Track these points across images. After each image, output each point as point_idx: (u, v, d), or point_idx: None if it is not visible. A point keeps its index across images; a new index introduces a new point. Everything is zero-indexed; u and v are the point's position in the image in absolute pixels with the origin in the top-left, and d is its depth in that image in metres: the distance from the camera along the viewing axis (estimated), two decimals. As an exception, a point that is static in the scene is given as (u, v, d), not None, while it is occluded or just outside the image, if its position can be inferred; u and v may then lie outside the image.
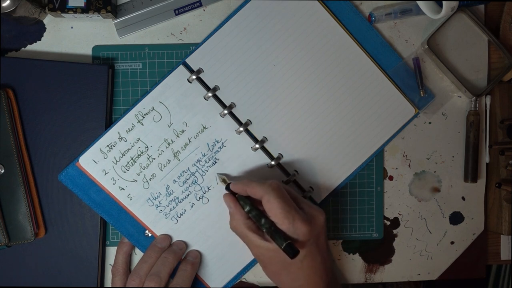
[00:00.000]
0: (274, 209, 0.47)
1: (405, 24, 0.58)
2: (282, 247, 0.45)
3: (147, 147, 0.55)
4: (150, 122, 0.54)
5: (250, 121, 0.56)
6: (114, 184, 0.54)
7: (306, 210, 0.49)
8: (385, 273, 0.60)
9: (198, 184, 0.55)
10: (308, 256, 0.48)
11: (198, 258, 0.55)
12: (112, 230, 0.57)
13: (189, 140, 0.55)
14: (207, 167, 0.55)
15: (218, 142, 0.55)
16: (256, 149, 0.55)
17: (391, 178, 0.59)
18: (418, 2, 0.56)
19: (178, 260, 0.54)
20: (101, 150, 0.54)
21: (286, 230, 0.47)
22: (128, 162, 0.54)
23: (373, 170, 0.58)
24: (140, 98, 0.55)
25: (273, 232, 0.47)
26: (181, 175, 0.55)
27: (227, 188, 0.53)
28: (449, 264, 0.60)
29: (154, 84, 0.55)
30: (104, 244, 0.57)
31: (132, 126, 0.54)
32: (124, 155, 0.54)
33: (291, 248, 0.45)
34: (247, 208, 0.50)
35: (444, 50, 0.58)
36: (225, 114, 0.55)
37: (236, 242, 0.55)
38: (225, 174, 0.55)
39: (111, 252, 0.57)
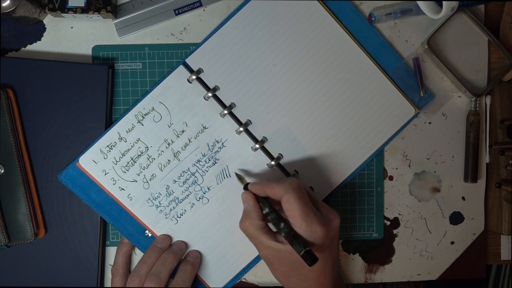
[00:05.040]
0: (293, 210, 0.46)
1: (405, 24, 0.58)
2: (301, 253, 0.45)
3: (147, 147, 0.55)
4: (150, 122, 0.54)
5: (250, 121, 0.56)
6: (114, 184, 0.54)
7: (323, 213, 0.49)
8: (385, 273, 0.60)
9: (198, 184, 0.55)
10: (320, 259, 0.48)
11: (198, 258, 0.55)
12: (112, 230, 0.57)
13: (189, 140, 0.55)
14: (207, 167, 0.55)
15: (218, 142, 0.55)
16: (256, 149, 0.55)
17: (391, 178, 0.59)
18: (418, 2, 0.56)
19: (178, 260, 0.54)
20: (101, 150, 0.54)
21: (303, 232, 0.46)
22: (128, 162, 0.54)
23: (373, 170, 0.58)
24: (140, 98, 0.55)
25: (292, 238, 0.46)
26: (181, 175, 0.55)
27: (245, 187, 0.52)
28: (449, 264, 0.60)
29: (154, 84, 0.55)
30: (104, 244, 0.57)
31: (132, 126, 0.54)
32: (124, 155, 0.54)
33: (309, 255, 0.45)
34: (266, 210, 0.49)
35: (444, 50, 0.58)
36: (225, 114, 0.55)
37: (236, 242, 0.55)
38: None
39: (111, 252, 0.57)
